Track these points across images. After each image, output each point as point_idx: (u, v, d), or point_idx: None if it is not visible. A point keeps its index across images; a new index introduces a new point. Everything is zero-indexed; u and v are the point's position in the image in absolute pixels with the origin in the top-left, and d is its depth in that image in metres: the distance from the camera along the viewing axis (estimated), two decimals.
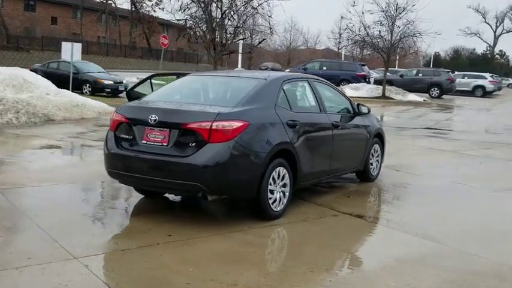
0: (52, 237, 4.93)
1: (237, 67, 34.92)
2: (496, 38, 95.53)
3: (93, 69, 23.30)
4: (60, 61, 21.74)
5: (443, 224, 6.04)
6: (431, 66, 63.82)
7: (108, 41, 58.17)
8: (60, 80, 19.38)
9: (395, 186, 7.97)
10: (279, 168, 5.75)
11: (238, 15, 16.50)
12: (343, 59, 45.70)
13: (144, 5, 58.84)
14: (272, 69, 30.50)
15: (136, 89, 7.74)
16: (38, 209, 5.84)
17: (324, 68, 30.60)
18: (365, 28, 26.32)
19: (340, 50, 55.37)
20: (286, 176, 5.89)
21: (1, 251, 4.55)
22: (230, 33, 16.97)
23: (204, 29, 16.79)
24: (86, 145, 10.43)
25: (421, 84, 32.04)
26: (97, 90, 21.70)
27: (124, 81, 22.46)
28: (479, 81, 39.57)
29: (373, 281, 4.31)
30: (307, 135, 6.25)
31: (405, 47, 27.30)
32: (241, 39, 17.10)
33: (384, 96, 27.14)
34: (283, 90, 6.22)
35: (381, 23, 26.33)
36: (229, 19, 16.43)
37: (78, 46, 20.79)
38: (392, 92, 27.87)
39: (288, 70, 32.67)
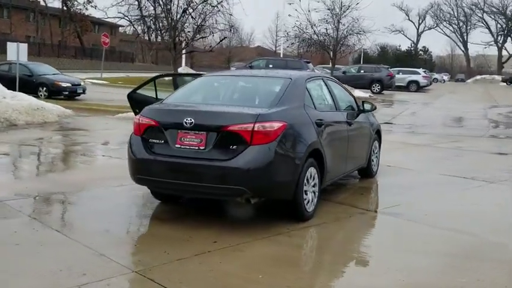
0: (94, 250, 4.67)
1: (181, 66, 34.50)
2: (418, 35, 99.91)
3: (48, 71, 22.17)
4: (12, 63, 20.50)
5: (464, 216, 6.21)
6: (361, 62, 65.77)
7: (39, 40, 55.75)
8: (13, 82, 18.30)
9: (397, 181, 8.11)
10: (310, 168, 5.72)
11: (200, 14, 16.25)
12: (281, 56, 46.09)
13: (75, 3, 56.85)
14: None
15: (139, 91, 7.50)
16: (67, 219, 5.51)
17: (270, 66, 30.67)
18: (312, 26, 26.71)
19: (277, 48, 55.90)
20: (316, 176, 5.87)
21: (49, 271, 4.23)
22: (188, 31, 16.71)
23: (162, 28, 16.40)
24: (89, 151, 9.96)
25: (363, 81, 32.88)
26: (54, 93, 20.61)
27: (82, 84, 21.58)
28: (414, 77, 41.15)
29: (441, 278, 4.37)
30: (330, 134, 6.26)
31: (350, 44, 27.96)
32: (202, 37, 16.82)
33: None
34: (307, 89, 6.19)
35: (327, 21, 26.83)
36: (192, 17, 16.15)
37: (24, 46, 19.82)
38: None
39: (233, 68, 32.58)
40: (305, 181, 5.61)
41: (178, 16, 16.38)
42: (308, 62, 32.04)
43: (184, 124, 5.33)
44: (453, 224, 5.83)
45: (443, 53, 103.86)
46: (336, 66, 33.14)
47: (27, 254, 4.56)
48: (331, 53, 27.26)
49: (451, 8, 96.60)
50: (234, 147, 5.19)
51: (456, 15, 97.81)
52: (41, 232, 5.17)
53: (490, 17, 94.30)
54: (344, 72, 34.19)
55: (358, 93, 28.58)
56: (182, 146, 5.38)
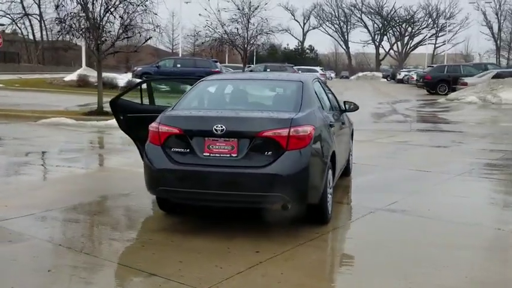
0: (142, 270, 4.35)
1: (82, 66, 32.91)
2: (304, 34, 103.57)
3: None
4: None
5: (464, 209, 6.54)
6: (254, 62, 66.82)
7: None
8: None
9: (373, 178, 8.34)
10: (329, 170, 5.73)
11: (124, 13, 15.55)
12: (180, 55, 45.59)
13: None
14: (146, 73, 29.19)
15: (123, 98, 7.06)
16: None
17: (178, 66, 30.30)
18: (222, 26, 26.69)
19: (174, 47, 55.09)
20: (331, 178, 5.90)
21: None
22: (109, 31, 15.94)
23: (83, 27, 15.53)
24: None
25: None
26: None
27: None
28: (311, 74, 42.49)
29: (498, 271, 4.57)
30: (336, 135, 6.31)
31: (260, 43, 28.30)
32: (126, 37, 16.11)
33: None
34: (315, 91, 6.19)
35: (237, 20, 26.94)
36: (121, 17, 15.40)
37: None
38: None
39: (138, 68, 31.67)
40: (328, 184, 5.61)
41: (101, 16, 15.55)
42: (216, 61, 32.06)
43: (214, 131, 5.10)
44: (459, 217, 6.12)
45: (328, 51, 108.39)
46: (239, 65, 33.44)
47: None
48: (242, 52, 27.39)
49: (333, 9, 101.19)
50: (269, 153, 5.06)
51: (337, 16, 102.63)
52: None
53: (368, 17, 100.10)
54: (252, 71, 34.49)
55: None
56: (211, 154, 5.15)
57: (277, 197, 5.08)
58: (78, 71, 31.89)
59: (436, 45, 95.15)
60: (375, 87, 45.66)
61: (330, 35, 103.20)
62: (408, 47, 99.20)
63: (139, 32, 15.87)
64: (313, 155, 5.19)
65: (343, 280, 4.40)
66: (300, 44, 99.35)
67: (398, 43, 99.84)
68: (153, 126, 5.46)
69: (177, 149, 5.25)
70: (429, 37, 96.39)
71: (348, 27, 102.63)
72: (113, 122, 14.39)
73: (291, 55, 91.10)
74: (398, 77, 55.82)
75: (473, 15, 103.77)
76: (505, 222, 6.07)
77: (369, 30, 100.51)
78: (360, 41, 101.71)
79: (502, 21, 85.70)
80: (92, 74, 27.33)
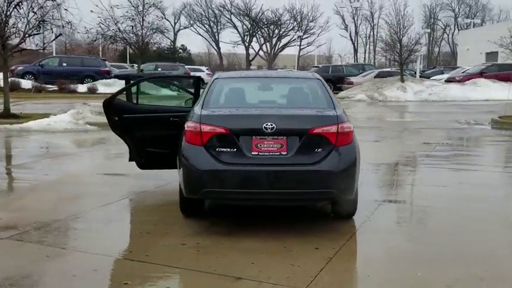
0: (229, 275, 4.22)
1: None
2: (175, 34, 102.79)
3: None
4: None
5: (459, 197, 7.01)
6: (128, 61, 64.93)
7: None
8: None
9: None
10: None
11: (31, 8, 14.42)
12: (54, 53, 43.00)
13: None
14: (28, 72, 26.97)
15: (118, 98, 6.64)
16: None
17: (64, 64, 28.68)
18: (116, 23, 25.70)
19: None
20: None
21: None
22: (15, 26, 14.71)
23: None
24: None
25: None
26: None
27: None
28: (198, 74, 42.57)
29: None
30: None
31: (154, 42, 27.72)
32: (35, 34, 14.92)
33: None
34: None
35: (131, 18, 26.11)
36: (34, 12, 14.21)
37: None
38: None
39: (19, 68, 29.37)
40: None
41: (4, 10, 14.30)
42: (105, 60, 30.79)
43: (264, 129, 5.05)
44: (461, 204, 6.60)
45: (201, 51, 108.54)
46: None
47: None
48: (137, 51, 26.62)
49: (203, 9, 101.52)
50: (319, 150, 5.12)
51: (207, 16, 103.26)
52: None
53: (237, 18, 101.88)
54: (142, 70, 33.55)
55: None
56: (260, 153, 5.09)
57: (329, 193, 5.16)
58: None
59: (301, 47, 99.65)
60: None
61: (201, 35, 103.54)
62: (277, 48, 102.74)
63: (51, 28, 14.80)
64: (356, 151, 5.33)
65: (427, 271, 4.55)
66: (172, 43, 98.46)
67: (267, 44, 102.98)
68: (190, 126, 5.23)
69: (222, 149, 5.10)
70: (295, 39, 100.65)
71: (218, 28, 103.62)
72: (29, 125, 13.42)
73: (164, 54, 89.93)
74: None
75: (333, 19, 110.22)
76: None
77: (238, 31, 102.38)
78: (230, 41, 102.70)
79: (358, 24, 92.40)
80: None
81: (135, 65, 39.24)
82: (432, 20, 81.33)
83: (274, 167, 5.06)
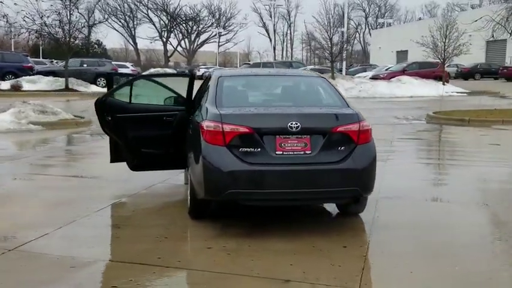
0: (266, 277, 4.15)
1: None
2: (90, 27, 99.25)
3: None
4: None
5: (449, 191, 7.31)
6: (41, 56, 61.82)
7: None
8: None
9: None
10: None
11: None
12: None
13: None
14: None
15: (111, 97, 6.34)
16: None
17: None
18: (41, 17, 24.41)
19: None
20: None
21: None
22: None
23: None
24: None
25: (86, 75, 31.26)
26: None
27: None
28: (123, 70, 41.33)
29: None
30: None
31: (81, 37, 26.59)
32: None
33: (67, 89, 25.79)
34: None
35: (59, 12, 24.89)
36: None
37: None
38: (75, 83, 26.78)
39: None
40: None
41: None
42: (26, 56, 29.20)
43: (289, 128, 4.99)
44: (458, 197, 6.87)
45: (117, 46, 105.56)
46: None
47: None
48: (66, 47, 25.45)
49: (118, 3, 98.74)
50: (342, 148, 5.13)
51: (123, 11, 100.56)
52: None
53: (154, 13, 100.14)
54: (64, 67, 32.03)
55: (96, 88, 27.49)
56: (284, 152, 5.02)
57: (353, 191, 5.19)
58: None
59: (221, 44, 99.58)
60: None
61: (117, 30, 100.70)
62: (195, 44, 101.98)
63: None
64: (375, 148, 5.39)
65: (464, 263, 4.69)
66: (85, 38, 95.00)
67: (186, 40, 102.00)
68: (210, 126, 5.05)
69: (246, 149, 4.99)
70: (214, 36, 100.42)
71: (135, 23, 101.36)
72: None
73: (78, 49, 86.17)
74: (198, 73, 57.17)
75: (251, 17, 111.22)
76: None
77: (155, 27, 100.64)
78: (147, 37, 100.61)
79: (275, 22, 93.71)
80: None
81: (54, 61, 37.58)
82: (345, 19, 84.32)
83: (300, 166, 5.02)
